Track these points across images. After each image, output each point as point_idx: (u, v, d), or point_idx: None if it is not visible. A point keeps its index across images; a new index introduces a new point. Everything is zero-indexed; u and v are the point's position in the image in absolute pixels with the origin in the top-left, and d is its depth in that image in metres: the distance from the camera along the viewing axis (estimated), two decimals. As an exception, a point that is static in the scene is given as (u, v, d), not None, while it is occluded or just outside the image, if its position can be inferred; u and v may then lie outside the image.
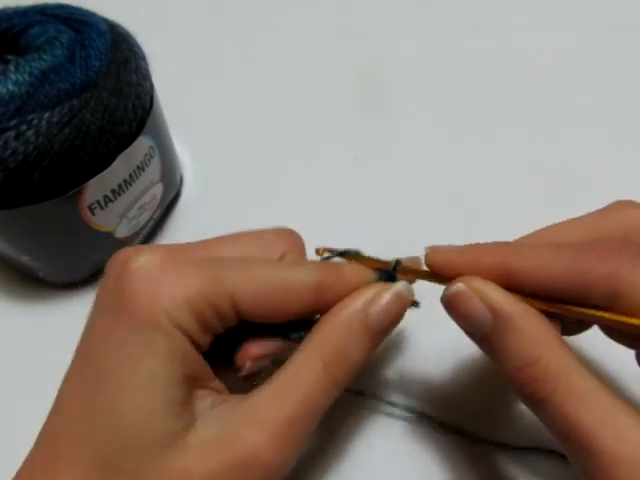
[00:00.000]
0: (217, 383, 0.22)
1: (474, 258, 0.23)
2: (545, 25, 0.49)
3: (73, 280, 0.36)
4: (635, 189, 0.29)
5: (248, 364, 0.22)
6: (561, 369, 0.20)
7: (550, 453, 0.28)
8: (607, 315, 0.21)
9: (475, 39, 0.49)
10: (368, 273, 0.24)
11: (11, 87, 0.28)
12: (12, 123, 0.27)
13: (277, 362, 0.23)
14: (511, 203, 0.38)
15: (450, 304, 0.22)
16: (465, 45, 0.48)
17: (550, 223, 0.25)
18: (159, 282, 0.20)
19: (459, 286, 0.22)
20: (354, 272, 0.23)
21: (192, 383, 0.21)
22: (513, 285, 0.22)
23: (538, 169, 0.39)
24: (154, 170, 0.35)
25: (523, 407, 0.23)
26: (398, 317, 0.23)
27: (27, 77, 0.28)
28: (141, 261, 0.20)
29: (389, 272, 0.24)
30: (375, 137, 0.43)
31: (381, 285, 0.23)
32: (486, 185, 0.39)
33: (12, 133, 0.27)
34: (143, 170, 0.33)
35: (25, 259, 0.33)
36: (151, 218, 0.37)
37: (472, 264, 0.22)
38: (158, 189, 0.36)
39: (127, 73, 0.31)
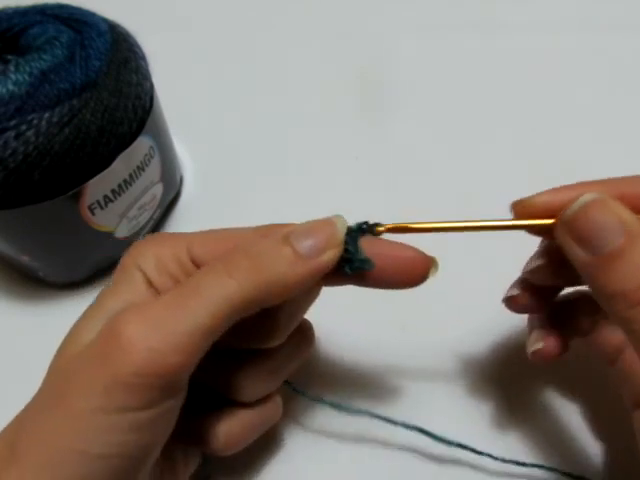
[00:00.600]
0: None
1: (575, 194, 0.22)
2: (545, 25, 0.49)
3: (73, 280, 0.36)
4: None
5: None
6: None
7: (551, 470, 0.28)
8: None
9: (475, 39, 0.49)
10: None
11: (11, 87, 0.28)
12: (12, 123, 0.27)
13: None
14: (511, 201, 0.38)
15: (578, 215, 0.21)
16: (465, 45, 0.48)
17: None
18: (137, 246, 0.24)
19: (590, 195, 0.21)
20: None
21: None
22: None
23: (538, 169, 0.39)
24: (154, 170, 0.35)
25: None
26: (325, 239, 0.22)
27: (27, 77, 0.28)
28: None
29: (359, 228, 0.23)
30: (375, 137, 0.43)
31: None
32: (486, 185, 0.39)
33: (12, 133, 0.27)
34: (143, 170, 0.33)
35: (25, 259, 0.33)
36: (151, 218, 0.37)
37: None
38: (158, 189, 0.36)
39: (127, 73, 0.31)
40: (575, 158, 0.40)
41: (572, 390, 0.31)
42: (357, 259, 0.23)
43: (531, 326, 0.28)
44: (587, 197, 0.21)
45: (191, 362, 0.20)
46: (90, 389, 0.19)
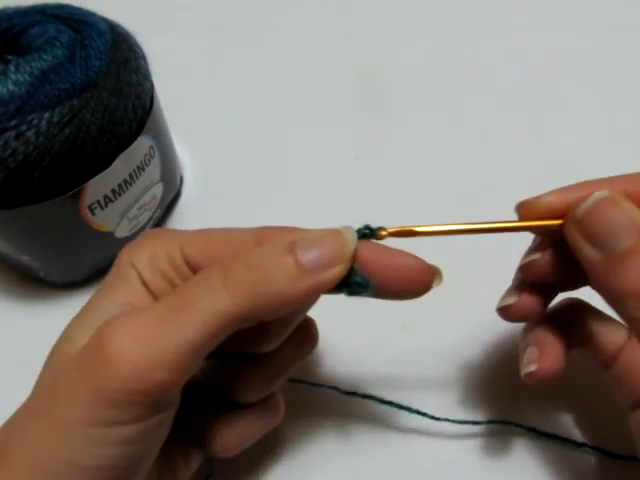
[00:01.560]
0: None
1: (583, 194, 0.22)
2: (545, 25, 0.49)
3: (73, 280, 0.36)
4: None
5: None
6: None
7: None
8: None
9: (475, 39, 0.49)
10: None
11: (11, 87, 0.28)
12: (12, 123, 0.27)
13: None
14: (511, 203, 0.38)
15: (589, 213, 0.21)
16: (465, 45, 0.48)
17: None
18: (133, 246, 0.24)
19: (601, 193, 0.21)
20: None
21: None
22: None
23: (538, 169, 0.39)
24: (154, 170, 0.35)
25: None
26: (332, 253, 0.21)
27: (27, 77, 0.28)
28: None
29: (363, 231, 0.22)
30: (375, 138, 0.43)
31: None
32: (486, 185, 0.39)
33: (12, 133, 0.27)
34: (143, 170, 0.33)
35: (25, 259, 0.33)
36: (151, 218, 0.37)
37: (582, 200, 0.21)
38: (158, 189, 0.36)
39: (127, 73, 0.31)
40: (575, 158, 0.40)
41: (572, 388, 0.31)
42: (355, 282, 0.21)
43: (524, 344, 0.26)
44: (598, 195, 0.21)
45: (180, 379, 0.20)
46: (75, 401, 0.19)
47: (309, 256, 0.20)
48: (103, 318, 0.21)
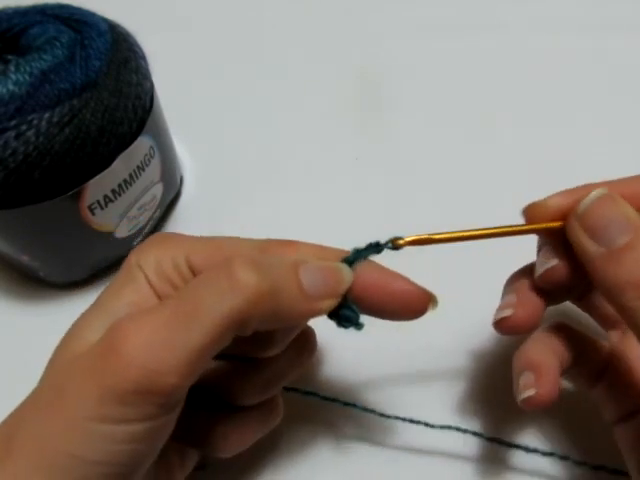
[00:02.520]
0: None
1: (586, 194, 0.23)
2: (545, 25, 0.49)
3: (73, 280, 0.36)
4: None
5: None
6: None
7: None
8: None
9: (475, 39, 0.48)
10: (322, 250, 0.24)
11: (11, 87, 0.28)
12: (12, 123, 0.27)
13: None
14: (511, 203, 0.37)
15: (592, 208, 0.22)
16: (465, 45, 0.48)
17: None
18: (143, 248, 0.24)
19: (601, 190, 0.23)
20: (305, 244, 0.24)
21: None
22: None
23: (538, 169, 0.39)
24: (154, 170, 0.35)
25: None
26: (328, 286, 0.22)
27: (27, 77, 0.28)
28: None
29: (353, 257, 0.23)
30: (375, 137, 0.43)
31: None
32: (486, 185, 0.39)
33: (12, 133, 0.27)
34: (143, 170, 0.33)
35: (25, 259, 0.33)
36: (151, 218, 0.37)
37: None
38: (158, 189, 0.36)
39: (127, 73, 0.31)
40: (576, 158, 0.40)
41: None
42: (343, 315, 0.23)
43: (518, 367, 0.26)
44: (598, 192, 0.23)
45: (189, 381, 0.20)
46: (86, 397, 0.19)
47: (310, 283, 0.21)
48: (113, 318, 0.21)
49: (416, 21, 0.50)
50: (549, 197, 0.24)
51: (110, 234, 0.34)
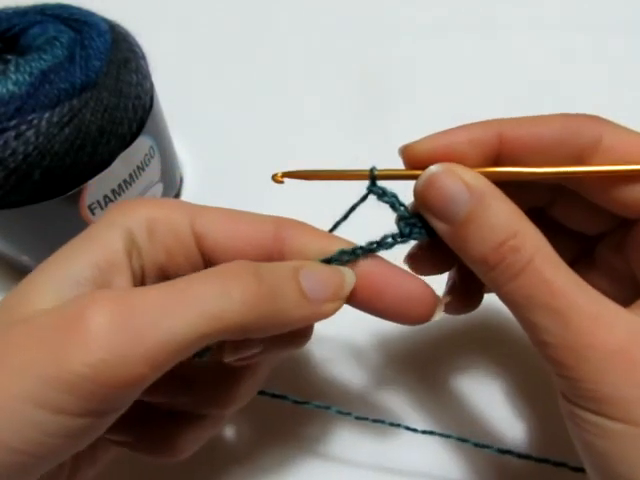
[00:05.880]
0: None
1: (459, 137, 0.23)
2: (545, 25, 0.49)
3: (73, 280, 0.36)
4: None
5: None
6: (540, 239, 0.20)
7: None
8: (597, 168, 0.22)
9: (475, 39, 0.49)
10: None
11: (11, 87, 0.28)
12: (12, 123, 0.27)
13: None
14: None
15: (426, 189, 0.21)
16: (465, 45, 0.48)
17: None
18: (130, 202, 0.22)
19: (434, 168, 0.21)
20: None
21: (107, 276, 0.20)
22: (506, 154, 0.22)
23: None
24: (154, 170, 0.35)
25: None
26: (331, 290, 0.21)
27: (27, 77, 0.28)
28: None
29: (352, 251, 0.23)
30: (375, 137, 0.43)
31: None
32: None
33: (12, 133, 0.27)
34: (143, 170, 0.33)
35: (25, 259, 0.33)
36: (151, 218, 0.37)
37: (459, 142, 0.22)
38: (158, 189, 0.36)
39: (127, 73, 0.31)
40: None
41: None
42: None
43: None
44: (432, 169, 0.22)
45: (154, 377, 0.17)
46: (26, 374, 0.16)
47: (311, 287, 0.21)
48: (70, 282, 0.19)
49: (416, 21, 0.50)
50: (419, 141, 0.23)
51: (110, 234, 0.34)
